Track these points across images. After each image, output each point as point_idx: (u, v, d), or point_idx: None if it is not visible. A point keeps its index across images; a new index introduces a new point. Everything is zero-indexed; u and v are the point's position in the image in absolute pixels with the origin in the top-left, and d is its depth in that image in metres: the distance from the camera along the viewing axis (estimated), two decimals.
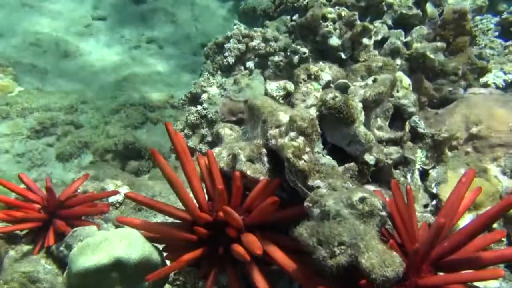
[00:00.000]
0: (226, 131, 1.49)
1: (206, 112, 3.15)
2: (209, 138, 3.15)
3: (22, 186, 1.85)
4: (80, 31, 5.09)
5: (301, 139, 1.21)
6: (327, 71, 1.52)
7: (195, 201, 1.38)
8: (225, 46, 3.52)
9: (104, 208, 1.79)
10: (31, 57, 4.43)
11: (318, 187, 1.19)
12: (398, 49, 2.30)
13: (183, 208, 1.38)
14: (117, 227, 1.89)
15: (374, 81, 1.33)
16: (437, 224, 0.91)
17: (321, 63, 1.67)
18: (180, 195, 1.34)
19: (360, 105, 1.24)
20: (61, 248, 1.65)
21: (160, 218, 2.03)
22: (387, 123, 1.50)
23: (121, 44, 5.12)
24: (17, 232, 1.74)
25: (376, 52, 2.35)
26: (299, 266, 1.19)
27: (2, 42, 4.58)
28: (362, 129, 1.21)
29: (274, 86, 1.55)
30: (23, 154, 3.73)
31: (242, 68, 3.63)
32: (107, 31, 5.25)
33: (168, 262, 1.45)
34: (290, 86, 1.54)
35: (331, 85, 1.49)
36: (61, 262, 1.67)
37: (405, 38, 2.36)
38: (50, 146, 3.86)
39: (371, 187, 1.32)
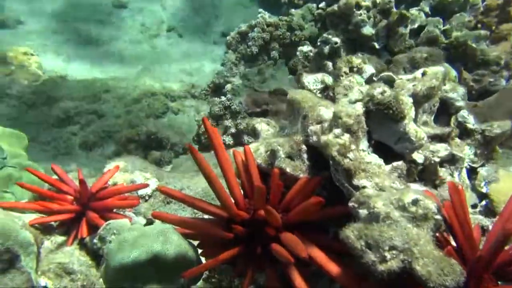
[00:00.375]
0: (263, 126, 1.44)
1: (230, 103, 3.10)
2: (233, 130, 3.11)
3: (54, 177, 1.86)
4: (102, 19, 5.08)
5: (346, 136, 1.15)
6: (368, 63, 1.45)
7: (231, 198, 1.34)
8: (249, 35, 3.45)
9: (135, 201, 1.78)
10: (55, 45, 4.46)
11: (364, 186, 1.14)
12: (435, 38, 2.19)
13: (218, 204, 1.35)
14: (147, 220, 1.88)
15: (424, 74, 1.25)
16: (505, 230, 0.84)
17: (359, 54, 1.59)
18: (217, 192, 1.30)
19: (411, 100, 1.16)
20: (95, 241, 1.66)
21: (189, 212, 2.02)
22: (432, 118, 1.42)
23: (141, 33, 5.09)
24: (51, 223, 1.75)
25: (412, 41, 2.24)
26: (342, 269, 1.15)
27: (27, 30, 4.61)
28: (412, 126, 1.14)
29: (311, 79, 1.49)
30: (49, 142, 3.79)
31: (266, 58, 3.56)
32: (128, 19, 5.23)
33: (203, 259, 1.43)
34: (328, 79, 1.47)
35: (374, 78, 1.42)
36: (95, 254, 1.67)
37: (444, 26, 2.24)
38: (74, 135, 3.91)
39: (417, 187, 1.26)
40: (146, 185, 1.90)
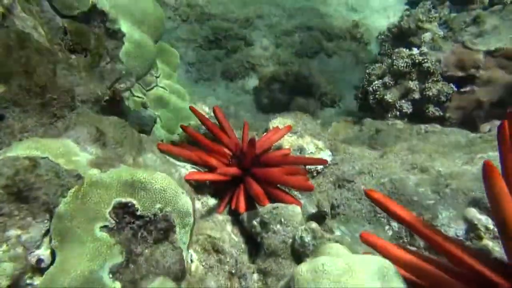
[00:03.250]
0: None
1: (423, 60, 2.29)
2: (416, 95, 2.34)
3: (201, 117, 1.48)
4: None
5: None
6: None
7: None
8: None
9: (310, 185, 1.30)
10: None
11: None
12: None
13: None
14: (318, 212, 1.41)
15: None
16: None
17: None
18: (503, 212, 0.70)
19: None
20: (255, 223, 1.27)
21: (366, 206, 1.48)
22: None
23: None
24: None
25: None
26: None
27: None
28: None
29: None
30: (193, 64, 3.58)
31: (487, 0, 2.52)
32: None
33: None
34: None
35: None
36: (250, 238, 1.30)
37: None
38: (218, 60, 3.61)
39: None
40: (325, 162, 1.39)
